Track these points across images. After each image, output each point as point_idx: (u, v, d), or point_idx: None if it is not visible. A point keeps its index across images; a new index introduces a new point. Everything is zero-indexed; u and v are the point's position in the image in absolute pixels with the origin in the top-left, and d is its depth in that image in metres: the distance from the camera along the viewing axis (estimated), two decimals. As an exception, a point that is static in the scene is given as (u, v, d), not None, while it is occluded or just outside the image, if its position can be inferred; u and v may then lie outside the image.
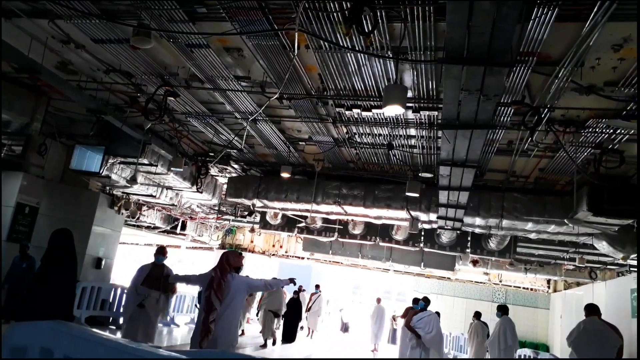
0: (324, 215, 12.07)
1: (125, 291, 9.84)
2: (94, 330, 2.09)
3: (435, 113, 6.56)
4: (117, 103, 8.17)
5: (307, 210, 10.83)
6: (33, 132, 8.62)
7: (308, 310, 16.09)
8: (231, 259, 5.20)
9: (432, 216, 10.04)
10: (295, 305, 13.29)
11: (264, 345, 11.67)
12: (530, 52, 4.64)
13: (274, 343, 12.09)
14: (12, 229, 9.16)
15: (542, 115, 5.93)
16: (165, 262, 6.82)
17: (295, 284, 5.84)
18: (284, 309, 12.72)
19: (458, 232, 11.54)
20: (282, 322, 12.88)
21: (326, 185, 10.25)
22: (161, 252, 6.82)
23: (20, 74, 7.20)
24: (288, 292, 14.49)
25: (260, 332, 12.28)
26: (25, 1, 5.31)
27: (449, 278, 19.04)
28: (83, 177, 10.45)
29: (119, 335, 10.10)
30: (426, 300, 9.19)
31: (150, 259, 6.85)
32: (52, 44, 6.33)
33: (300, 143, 9.12)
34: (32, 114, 8.17)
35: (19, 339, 2.15)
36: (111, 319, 11.07)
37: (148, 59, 6.34)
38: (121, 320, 11.19)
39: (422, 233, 12.77)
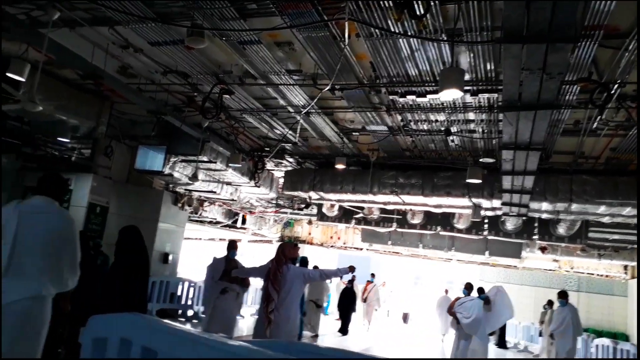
0: (381, 206, 12.02)
1: (203, 285, 10.29)
2: (169, 322, 2.23)
3: (495, 95, 6.36)
4: (175, 103, 8.53)
5: (364, 201, 10.84)
6: (99, 135, 9.20)
7: (364, 300, 16.08)
8: (287, 250, 5.34)
9: (496, 203, 9.74)
10: (348, 296, 13.26)
11: (315, 336, 11.78)
12: (596, 25, 4.38)
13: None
14: (85, 228, 9.83)
15: (612, 92, 5.59)
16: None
17: (354, 271, 5.82)
18: (325, 299, 12.69)
19: (524, 218, 11.13)
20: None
21: (382, 175, 10.20)
22: (233, 246, 7.02)
23: (85, 80, 7.68)
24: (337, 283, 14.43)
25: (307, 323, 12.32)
26: (86, 10, 5.65)
27: (515, 266, 18.41)
28: (147, 176, 11.01)
29: (188, 326, 10.63)
30: (469, 287, 9.09)
31: (214, 253, 7.12)
32: (112, 50, 6.70)
33: (354, 133, 9.12)
34: (97, 118, 8.69)
35: (100, 330, 2.34)
36: (180, 311, 11.65)
37: (202, 59, 6.57)
38: (190, 313, 11.79)
39: (486, 220, 12.42)
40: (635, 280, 17.25)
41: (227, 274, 6.59)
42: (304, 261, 8.89)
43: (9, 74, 6.23)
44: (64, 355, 3.87)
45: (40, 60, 5.80)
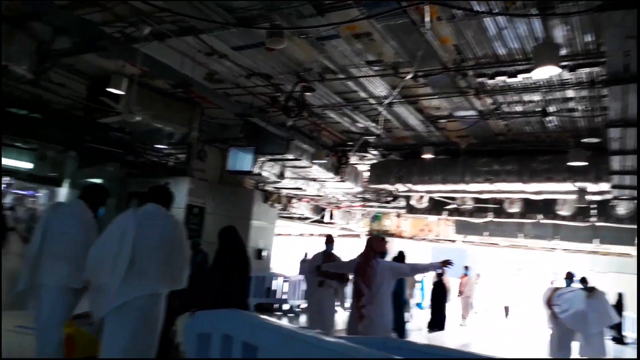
0: (475, 195, 11.57)
1: (303, 279, 10.62)
2: (268, 318, 2.33)
3: (597, 69, 5.85)
4: (260, 105, 8.83)
5: (455, 191, 10.51)
6: (192, 140, 9.79)
7: (460, 294, 15.57)
8: (374, 244, 5.33)
9: (604, 186, 8.97)
10: (439, 289, 12.87)
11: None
12: None
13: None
14: (186, 228, 10.55)
15: None
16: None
17: (450, 265, 5.50)
18: (414, 294, 12.38)
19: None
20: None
21: (474, 162, 9.81)
22: (330, 240, 7.08)
23: (176, 89, 8.20)
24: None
25: None
26: (173, 22, 6.02)
27: (629, 254, 16.82)
28: (238, 177, 11.56)
29: (285, 320, 11.03)
30: (569, 277, 8.44)
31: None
32: (199, 58, 7.08)
33: (441, 121, 8.86)
34: (189, 124, 9.24)
35: (203, 326, 2.50)
36: (276, 305, 12.12)
37: (283, 59, 6.74)
38: (285, 307, 12.21)
39: (593, 206, 11.49)
40: None
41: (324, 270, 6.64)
42: (401, 256, 8.64)
43: (109, 89, 6.82)
44: (177, 347, 4.21)
45: (136, 74, 6.28)
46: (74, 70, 7.80)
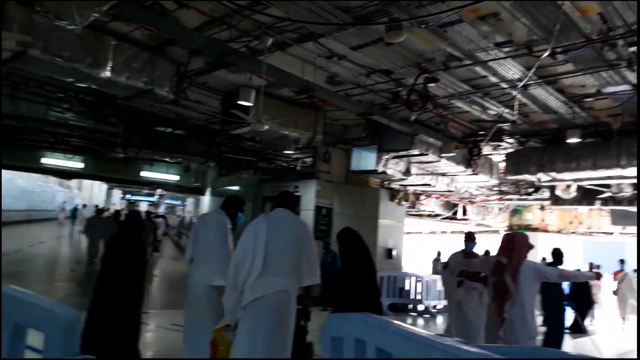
0: (633, 181, 10.20)
1: (438, 279, 10.31)
2: (402, 323, 2.26)
3: None
4: (381, 102, 8.78)
5: (609, 177, 9.36)
6: (317, 143, 10.08)
7: (615, 292, 13.69)
8: (517, 241, 4.90)
9: None
10: (580, 287, 11.32)
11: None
12: None
13: None
14: (315, 229, 10.92)
15: None
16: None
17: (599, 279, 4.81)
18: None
19: None
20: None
21: (630, 143, 8.64)
22: (470, 238, 6.61)
23: (300, 95, 8.51)
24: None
25: None
26: (293, 30, 6.24)
27: None
28: (363, 176, 11.63)
29: (421, 322, 10.82)
30: None
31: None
32: (319, 62, 7.25)
33: (587, 100, 7.96)
34: (314, 128, 9.53)
35: (336, 329, 2.52)
36: (410, 306, 11.94)
37: (403, 52, 6.59)
38: (420, 307, 11.97)
39: None
40: None
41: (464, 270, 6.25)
42: (558, 254, 7.24)
43: (239, 102, 7.31)
44: (310, 347, 4.32)
45: (262, 85, 6.63)
46: (208, 87, 8.49)
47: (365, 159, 10.73)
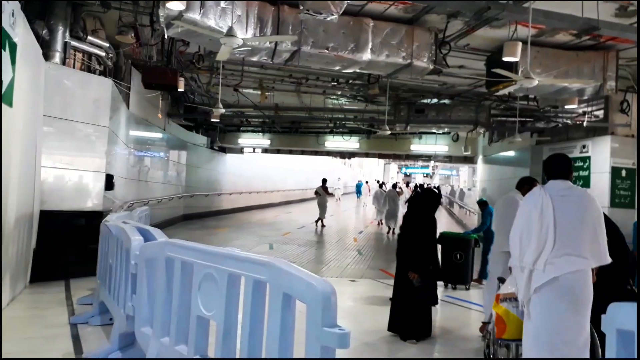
0: None
1: None
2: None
3: None
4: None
5: None
6: (609, 92, 8.55)
7: None
8: None
9: None
10: None
11: None
12: None
13: None
14: (612, 194, 9.39)
15: None
16: None
17: None
18: None
19: None
20: None
21: None
22: None
23: (580, 38, 7.38)
24: None
25: None
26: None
27: None
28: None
29: None
30: None
31: None
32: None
33: None
34: (603, 73, 8.13)
35: (625, 321, 2.11)
36: None
37: None
38: None
39: None
40: None
41: None
42: None
43: (504, 59, 6.74)
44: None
45: (529, 35, 5.97)
46: (470, 50, 8.15)
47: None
